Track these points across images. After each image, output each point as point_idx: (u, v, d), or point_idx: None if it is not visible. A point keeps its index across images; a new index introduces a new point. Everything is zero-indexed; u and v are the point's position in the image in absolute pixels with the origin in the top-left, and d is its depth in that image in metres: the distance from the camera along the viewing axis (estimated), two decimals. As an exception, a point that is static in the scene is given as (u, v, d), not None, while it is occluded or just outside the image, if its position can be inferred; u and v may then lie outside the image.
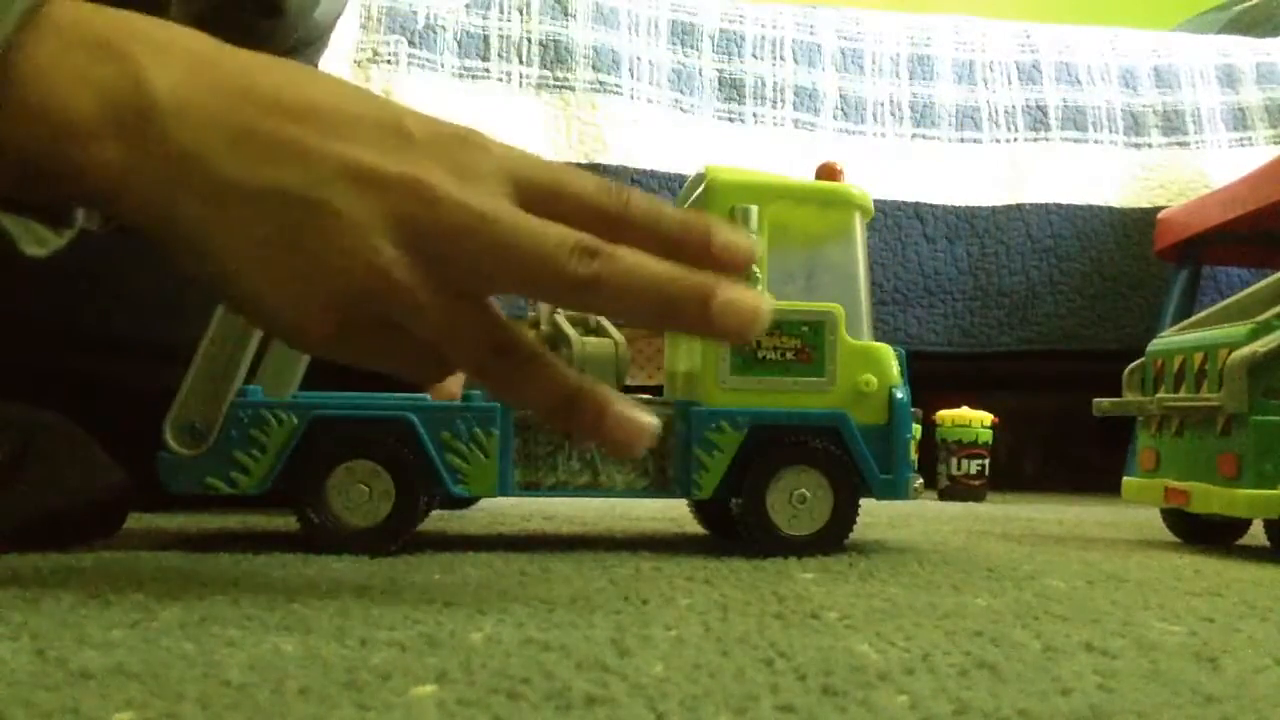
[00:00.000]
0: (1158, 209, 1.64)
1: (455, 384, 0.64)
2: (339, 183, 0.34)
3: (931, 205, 1.68)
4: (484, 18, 1.63)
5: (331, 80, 0.37)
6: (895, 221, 1.67)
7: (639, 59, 1.66)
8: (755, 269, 0.56)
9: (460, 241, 0.35)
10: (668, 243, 0.37)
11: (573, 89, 1.61)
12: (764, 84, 1.71)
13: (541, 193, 0.36)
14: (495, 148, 0.37)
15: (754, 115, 1.69)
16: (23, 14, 0.33)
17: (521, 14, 1.63)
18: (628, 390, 0.47)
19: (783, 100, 1.71)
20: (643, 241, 0.36)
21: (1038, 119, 1.75)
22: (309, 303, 0.35)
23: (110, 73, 0.34)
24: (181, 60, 0.35)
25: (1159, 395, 0.72)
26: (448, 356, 0.38)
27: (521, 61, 1.62)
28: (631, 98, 1.63)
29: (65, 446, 0.53)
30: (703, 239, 0.37)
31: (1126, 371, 0.77)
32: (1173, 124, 1.77)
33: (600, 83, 1.61)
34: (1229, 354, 0.64)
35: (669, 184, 1.60)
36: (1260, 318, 0.65)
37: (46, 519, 0.51)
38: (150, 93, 0.34)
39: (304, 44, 0.75)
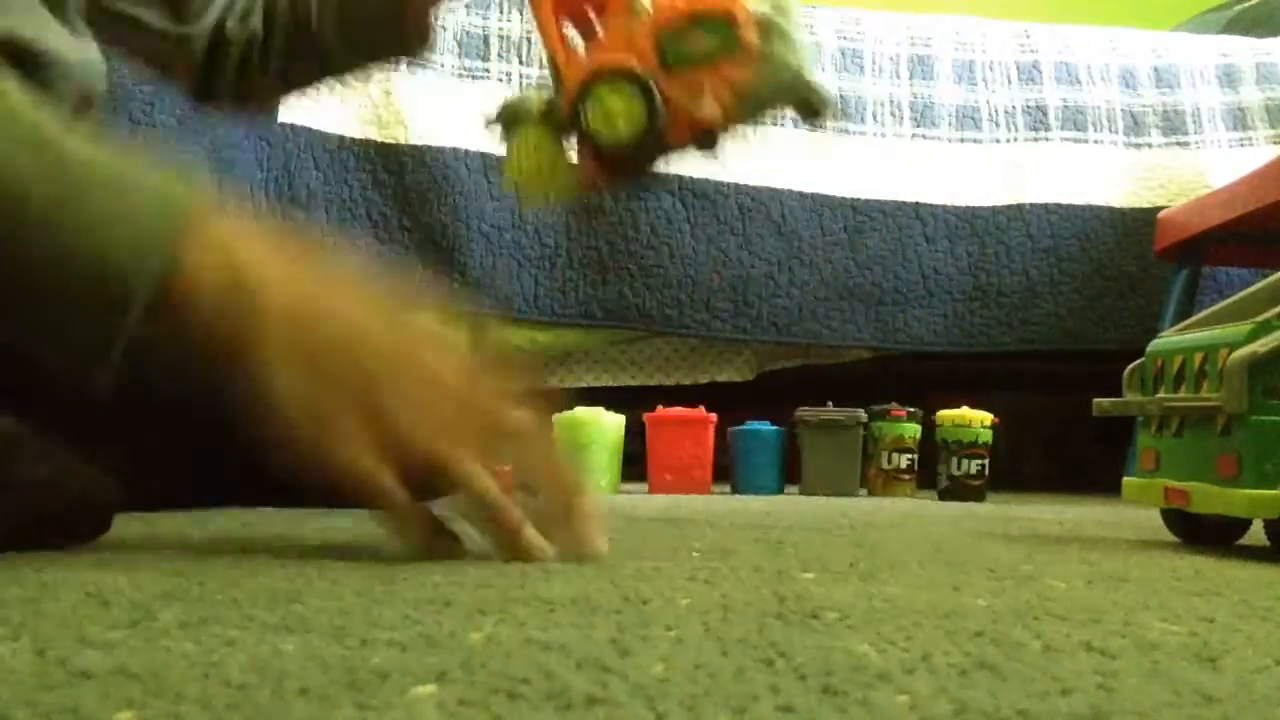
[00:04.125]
0: (1158, 209, 1.64)
1: None
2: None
3: (931, 205, 1.68)
4: (484, 18, 1.62)
5: (380, 324, 0.50)
6: (895, 221, 1.67)
7: (639, 59, 1.65)
8: None
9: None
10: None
11: (573, 89, 1.61)
12: (764, 84, 1.71)
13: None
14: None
15: (754, 115, 1.69)
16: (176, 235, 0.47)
17: (521, 14, 1.63)
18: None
19: (783, 100, 1.70)
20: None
21: (1038, 119, 1.75)
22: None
23: (236, 310, 0.48)
24: (279, 300, 0.49)
25: (1159, 395, 0.72)
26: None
27: (521, 61, 1.61)
28: (631, 98, 1.63)
29: (36, 450, 0.54)
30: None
31: (1126, 371, 0.77)
32: (1173, 124, 1.77)
33: (600, 83, 1.61)
34: (1229, 354, 0.64)
35: (667, 184, 1.59)
36: (1260, 318, 0.65)
37: (38, 520, 0.52)
38: (258, 330, 0.48)
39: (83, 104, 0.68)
